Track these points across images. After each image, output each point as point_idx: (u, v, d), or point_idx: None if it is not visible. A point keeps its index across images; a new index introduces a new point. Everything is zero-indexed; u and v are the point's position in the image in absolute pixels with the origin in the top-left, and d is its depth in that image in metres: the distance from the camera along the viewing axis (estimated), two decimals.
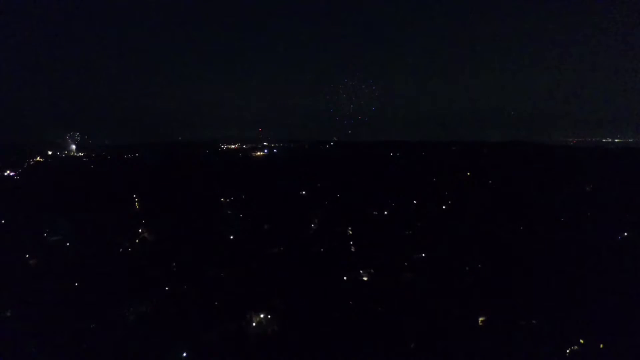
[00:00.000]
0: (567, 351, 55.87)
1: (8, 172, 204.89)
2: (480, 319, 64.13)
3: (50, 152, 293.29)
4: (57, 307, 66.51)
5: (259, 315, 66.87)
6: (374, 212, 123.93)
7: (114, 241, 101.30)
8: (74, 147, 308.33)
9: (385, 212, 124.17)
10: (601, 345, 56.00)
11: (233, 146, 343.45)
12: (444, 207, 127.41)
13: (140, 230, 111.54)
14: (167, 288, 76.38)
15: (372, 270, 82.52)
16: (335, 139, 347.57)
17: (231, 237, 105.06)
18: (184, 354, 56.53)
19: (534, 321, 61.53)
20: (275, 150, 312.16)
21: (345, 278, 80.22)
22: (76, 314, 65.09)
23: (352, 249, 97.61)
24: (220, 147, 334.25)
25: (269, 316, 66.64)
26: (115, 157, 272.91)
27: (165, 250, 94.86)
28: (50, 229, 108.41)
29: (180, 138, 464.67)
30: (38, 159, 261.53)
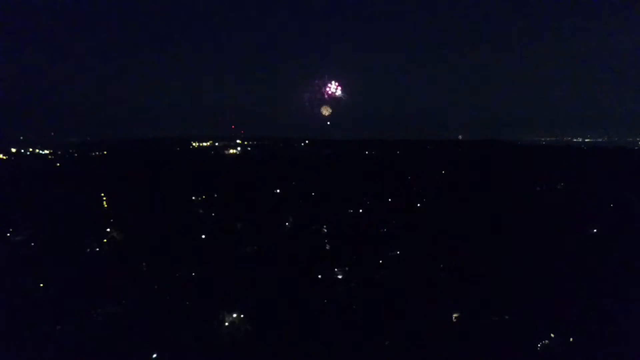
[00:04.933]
0: (539, 345, 56.73)
1: None
2: (455, 315, 64.60)
3: (14, 150, 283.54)
4: (22, 309, 64.23)
5: (232, 316, 65.74)
6: (349, 210, 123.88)
7: (82, 241, 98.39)
8: (39, 144, 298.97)
9: (360, 210, 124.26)
10: (571, 339, 57.05)
11: (205, 143, 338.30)
12: (418, 205, 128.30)
13: (108, 230, 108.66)
14: (136, 288, 74.53)
15: (347, 269, 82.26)
16: (310, 137, 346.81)
17: (203, 237, 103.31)
18: (154, 355, 55.13)
19: (506, 317, 62.38)
20: (248, 148, 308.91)
21: (320, 277, 79.79)
22: (42, 315, 62.98)
23: (327, 247, 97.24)
24: (191, 144, 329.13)
25: (242, 316, 65.61)
26: (82, 154, 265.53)
27: (135, 250, 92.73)
28: (14, 229, 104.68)
29: (150, 135, 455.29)
30: (1, 156, 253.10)
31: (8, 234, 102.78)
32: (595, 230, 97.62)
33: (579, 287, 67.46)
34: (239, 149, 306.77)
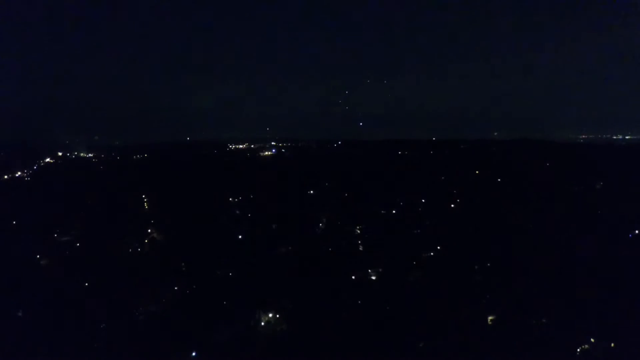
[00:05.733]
0: (578, 350, 55.51)
1: (19, 172, 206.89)
2: (490, 317, 63.94)
3: (60, 153, 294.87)
4: (66, 307, 67.21)
5: (268, 315, 67.06)
6: (382, 211, 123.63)
7: (124, 241, 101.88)
8: (83, 148, 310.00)
9: (394, 211, 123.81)
10: (612, 345, 55.59)
11: (241, 146, 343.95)
12: (452, 205, 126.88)
13: (149, 231, 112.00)
14: (176, 288, 76.86)
15: (380, 270, 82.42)
16: (343, 138, 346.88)
17: (239, 237, 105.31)
18: (193, 354, 56.84)
19: (544, 320, 61.22)
20: (283, 150, 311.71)
21: (353, 277, 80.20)
22: (86, 314, 65.75)
23: (360, 248, 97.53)
24: (228, 146, 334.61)
25: (278, 316, 66.82)
26: (124, 157, 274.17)
27: (174, 250, 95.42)
28: (61, 230, 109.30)
29: (188, 138, 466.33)
30: (48, 159, 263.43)
31: (55, 235, 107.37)
32: (637, 232, 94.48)
33: (621, 290, 65.53)
34: (273, 150, 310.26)
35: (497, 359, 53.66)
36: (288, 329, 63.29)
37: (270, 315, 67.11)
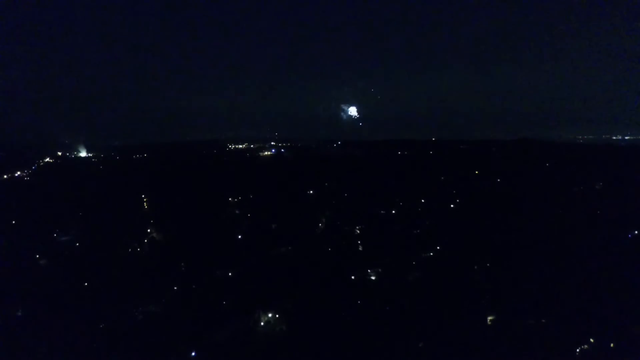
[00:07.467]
0: (577, 350, 55.51)
1: (18, 172, 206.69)
2: (489, 318, 63.94)
3: (59, 153, 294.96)
4: (66, 307, 67.29)
5: (267, 315, 67.07)
6: (382, 212, 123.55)
7: (123, 241, 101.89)
8: (83, 147, 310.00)
9: (393, 212, 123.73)
10: (612, 345, 55.61)
11: (241, 146, 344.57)
12: (452, 205, 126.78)
13: (148, 230, 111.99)
14: (175, 288, 76.92)
15: (379, 270, 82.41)
16: (342, 139, 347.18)
17: (239, 237, 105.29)
18: (193, 354, 56.86)
19: (543, 320, 61.23)
20: (282, 150, 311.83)
21: (352, 277, 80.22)
22: (86, 313, 65.79)
23: (360, 249, 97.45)
24: (228, 147, 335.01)
25: (277, 316, 66.84)
26: (124, 157, 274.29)
27: (174, 250, 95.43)
28: (60, 230, 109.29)
29: (188, 138, 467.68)
30: (48, 159, 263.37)
31: (55, 235, 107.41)
32: (637, 232, 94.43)
33: (619, 290, 65.60)
34: (273, 150, 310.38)
35: (497, 359, 53.67)
36: (288, 329, 63.32)
37: (270, 315, 67.12)
